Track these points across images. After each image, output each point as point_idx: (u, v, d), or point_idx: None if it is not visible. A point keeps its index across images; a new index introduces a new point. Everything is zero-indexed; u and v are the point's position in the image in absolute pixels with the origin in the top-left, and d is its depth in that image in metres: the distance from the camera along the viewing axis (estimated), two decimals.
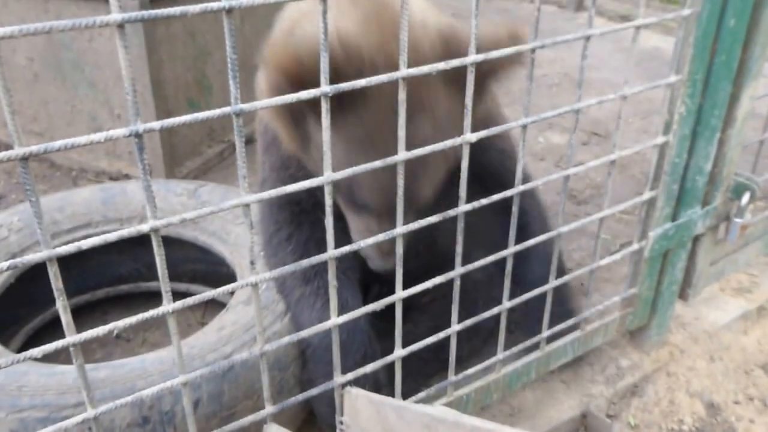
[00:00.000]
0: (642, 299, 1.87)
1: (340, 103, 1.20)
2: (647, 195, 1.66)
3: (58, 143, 0.76)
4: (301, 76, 1.11)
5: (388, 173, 1.13)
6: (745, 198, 1.83)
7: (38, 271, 2.01)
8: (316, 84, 0.91)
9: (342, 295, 1.55)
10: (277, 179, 1.70)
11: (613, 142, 1.48)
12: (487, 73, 1.29)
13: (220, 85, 3.34)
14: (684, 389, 1.96)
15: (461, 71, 1.08)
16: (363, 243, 1.11)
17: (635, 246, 1.73)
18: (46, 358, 1.61)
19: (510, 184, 1.29)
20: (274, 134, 1.59)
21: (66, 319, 0.93)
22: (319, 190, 1.01)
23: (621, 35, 5.11)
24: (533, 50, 1.16)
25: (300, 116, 1.35)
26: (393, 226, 1.14)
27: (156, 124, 0.80)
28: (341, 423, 1.26)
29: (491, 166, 1.72)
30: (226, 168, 3.35)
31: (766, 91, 2.08)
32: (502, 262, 1.39)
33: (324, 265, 1.15)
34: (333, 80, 0.91)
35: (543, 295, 1.56)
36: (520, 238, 1.40)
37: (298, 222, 1.70)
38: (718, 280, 2.16)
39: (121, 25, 0.71)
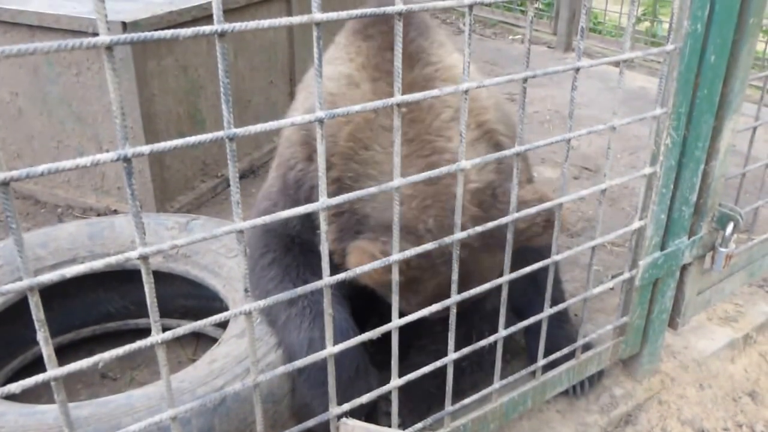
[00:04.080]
0: (633, 327, 1.87)
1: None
2: (636, 224, 1.67)
3: (41, 167, 0.74)
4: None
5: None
6: (730, 228, 1.86)
7: (16, 310, 1.94)
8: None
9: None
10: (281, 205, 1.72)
11: (604, 173, 1.50)
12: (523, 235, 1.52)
13: (214, 119, 3.26)
14: (675, 417, 1.95)
15: (495, 232, 1.35)
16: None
17: (626, 275, 1.74)
18: (28, 401, 1.56)
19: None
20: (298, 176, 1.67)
21: (47, 351, 0.89)
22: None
23: (608, 75, 5.22)
24: (525, 80, 1.19)
25: None
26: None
27: (145, 148, 0.79)
28: None
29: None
30: (219, 203, 3.26)
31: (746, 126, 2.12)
32: (511, 299, 1.52)
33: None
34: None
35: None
36: (531, 283, 1.68)
37: (285, 248, 1.70)
38: (706, 309, 2.17)
39: (109, 47, 0.71)
